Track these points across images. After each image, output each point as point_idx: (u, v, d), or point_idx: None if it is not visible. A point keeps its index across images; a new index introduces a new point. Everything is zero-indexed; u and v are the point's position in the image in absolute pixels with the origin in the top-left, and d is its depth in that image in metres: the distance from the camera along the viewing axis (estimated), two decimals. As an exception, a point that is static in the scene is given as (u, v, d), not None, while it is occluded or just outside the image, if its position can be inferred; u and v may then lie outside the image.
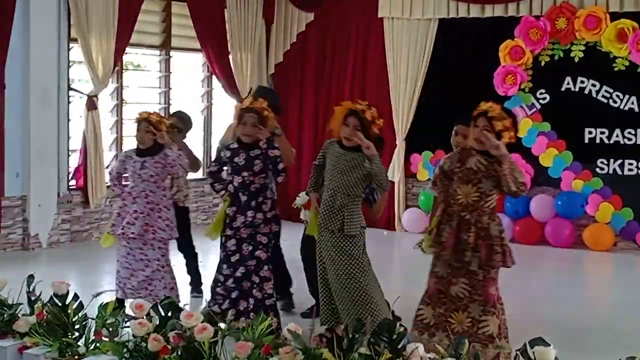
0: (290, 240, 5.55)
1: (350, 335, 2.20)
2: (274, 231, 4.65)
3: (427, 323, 4.02)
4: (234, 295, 4.59)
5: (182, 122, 5.87)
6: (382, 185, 4.28)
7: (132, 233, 4.83)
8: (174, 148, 4.94)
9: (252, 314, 4.40)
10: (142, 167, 4.86)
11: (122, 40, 7.75)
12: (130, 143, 9.50)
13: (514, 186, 3.79)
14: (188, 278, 5.80)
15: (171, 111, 8.82)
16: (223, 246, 4.65)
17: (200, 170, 9.33)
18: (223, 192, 4.65)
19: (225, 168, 4.68)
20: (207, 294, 5.05)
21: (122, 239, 4.91)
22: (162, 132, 4.88)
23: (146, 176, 4.85)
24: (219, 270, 4.66)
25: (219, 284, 4.63)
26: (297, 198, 5.13)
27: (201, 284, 5.76)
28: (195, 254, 5.84)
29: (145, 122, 4.85)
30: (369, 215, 4.52)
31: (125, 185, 5.04)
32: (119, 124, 8.24)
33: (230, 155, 4.57)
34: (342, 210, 4.24)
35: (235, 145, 4.59)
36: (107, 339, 2.94)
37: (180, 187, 5.49)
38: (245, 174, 4.51)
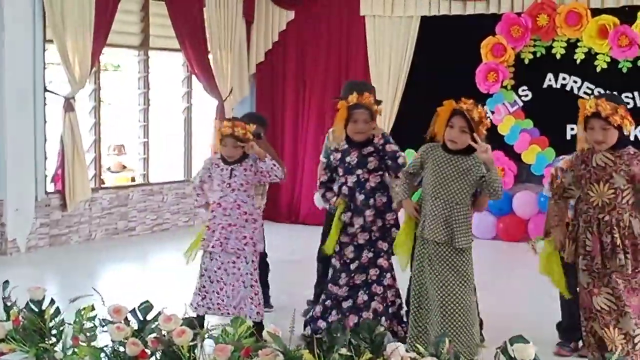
0: (275, 241, 5.50)
1: (332, 336, 2.15)
2: (394, 237, 4.30)
3: (601, 338, 3.66)
4: (345, 305, 4.29)
5: (260, 125, 5.16)
6: (497, 193, 3.84)
7: (232, 248, 4.50)
8: (267, 159, 4.55)
9: None
10: (231, 175, 4.55)
11: (99, 41, 7.64)
12: (108, 140, 9.42)
13: None
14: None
15: (152, 111, 8.75)
16: (339, 254, 4.35)
17: (182, 172, 9.33)
18: (335, 199, 4.37)
19: (336, 175, 4.39)
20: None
21: (213, 254, 4.57)
22: (251, 142, 4.51)
23: (236, 185, 4.54)
24: (333, 280, 4.38)
25: (332, 296, 4.37)
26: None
27: (269, 297, 5.33)
28: (267, 265, 5.40)
29: (231, 137, 4.48)
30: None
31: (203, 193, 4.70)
32: (97, 126, 8.14)
33: (341, 157, 4.35)
34: (451, 221, 3.89)
35: (345, 146, 4.35)
36: (84, 344, 2.88)
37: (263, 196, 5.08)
38: (359, 172, 4.28)
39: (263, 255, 5.22)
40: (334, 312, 4.33)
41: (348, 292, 4.31)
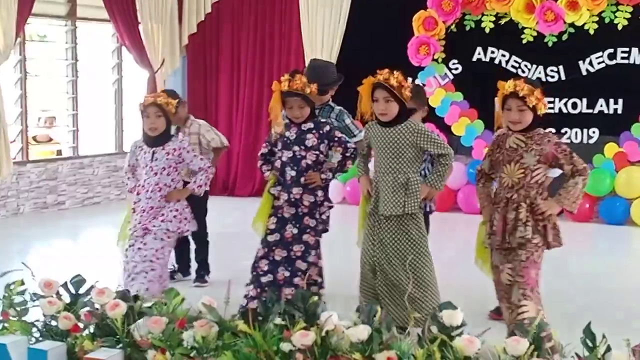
0: (211, 214, 5.52)
1: (266, 307, 2.20)
2: (326, 216, 4.31)
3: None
4: (264, 280, 4.20)
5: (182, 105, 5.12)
6: (442, 156, 4.01)
7: (145, 229, 4.37)
8: (183, 136, 4.55)
9: None
10: (153, 158, 4.42)
11: (24, 10, 7.37)
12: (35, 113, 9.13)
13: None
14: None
15: (80, 85, 8.52)
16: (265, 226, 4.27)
17: (113, 145, 9.14)
18: (268, 173, 4.32)
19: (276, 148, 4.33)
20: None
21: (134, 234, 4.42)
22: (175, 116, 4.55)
23: (157, 168, 4.41)
24: (257, 253, 4.32)
25: (253, 270, 4.30)
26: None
27: (208, 272, 5.40)
28: (207, 242, 5.42)
29: (154, 106, 4.36)
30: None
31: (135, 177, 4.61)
32: (23, 98, 7.88)
33: (281, 132, 4.30)
34: (402, 190, 3.98)
35: (286, 120, 4.26)
36: (15, 319, 2.84)
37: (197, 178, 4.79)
38: (296, 148, 4.21)
39: (203, 232, 5.27)
40: (252, 287, 4.27)
41: (268, 267, 4.25)
